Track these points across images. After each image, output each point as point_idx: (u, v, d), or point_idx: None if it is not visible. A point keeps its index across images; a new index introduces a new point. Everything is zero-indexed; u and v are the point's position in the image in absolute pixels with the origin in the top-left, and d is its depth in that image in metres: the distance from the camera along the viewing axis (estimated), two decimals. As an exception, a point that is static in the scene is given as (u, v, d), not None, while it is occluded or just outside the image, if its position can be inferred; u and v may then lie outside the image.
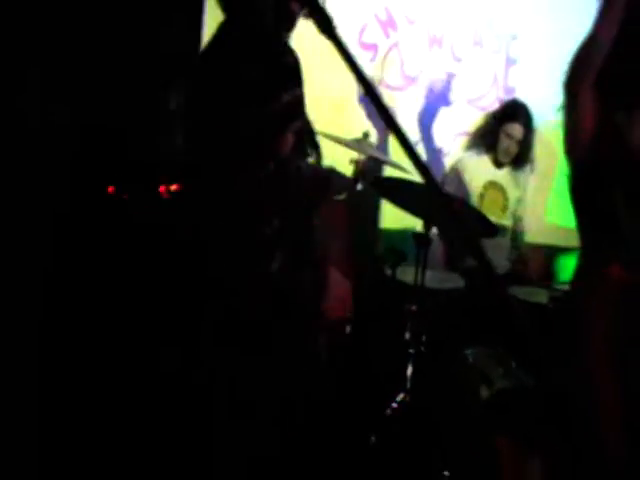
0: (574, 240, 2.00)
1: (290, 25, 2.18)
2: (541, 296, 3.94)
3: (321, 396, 1.86)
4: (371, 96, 1.25)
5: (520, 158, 4.56)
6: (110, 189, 3.36)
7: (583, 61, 1.95)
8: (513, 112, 4.52)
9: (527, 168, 4.63)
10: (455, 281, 4.14)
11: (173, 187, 3.09)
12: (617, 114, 1.90)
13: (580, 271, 2.03)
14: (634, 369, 1.83)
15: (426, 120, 4.93)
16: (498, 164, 4.58)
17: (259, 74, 1.95)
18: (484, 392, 3.39)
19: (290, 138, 1.98)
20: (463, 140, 4.85)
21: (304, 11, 2.05)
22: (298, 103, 2.03)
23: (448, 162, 4.90)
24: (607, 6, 1.94)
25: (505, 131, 4.49)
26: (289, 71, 2.04)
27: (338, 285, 2.04)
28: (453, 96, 5.00)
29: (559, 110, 2.04)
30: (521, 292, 3.98)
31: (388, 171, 4.41)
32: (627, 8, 1.92)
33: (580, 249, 2.03)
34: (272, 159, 1.94)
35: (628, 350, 1.84)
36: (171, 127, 1.94)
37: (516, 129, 4.47)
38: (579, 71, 1.96)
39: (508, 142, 4.50)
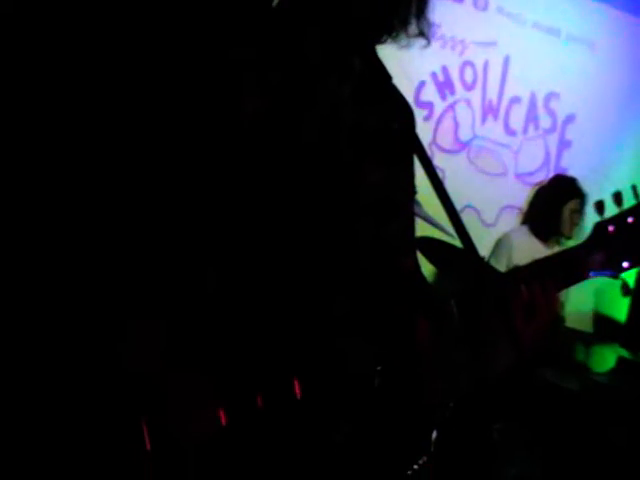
0: (613, 329, 1.87)
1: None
2: (572, 383, 3.77)
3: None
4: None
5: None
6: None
7: None
8: (573, 189, 4.67)
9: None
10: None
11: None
12: None
13: None
14: None
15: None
16: (557, 241, 4.63)
17: None
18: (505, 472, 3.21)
19: None
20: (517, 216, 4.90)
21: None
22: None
23: (494, 235, 4.77)
24: None
25: (569, 208, 4.62)
26: None
27: None
28: (502, 168, 4.88)
29: None
30: (552, 375, 3.81)
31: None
32: None
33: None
34: None
35: None
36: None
37: (579, 203, 4.62)
38: None
39: (572, 216, 4.63)
